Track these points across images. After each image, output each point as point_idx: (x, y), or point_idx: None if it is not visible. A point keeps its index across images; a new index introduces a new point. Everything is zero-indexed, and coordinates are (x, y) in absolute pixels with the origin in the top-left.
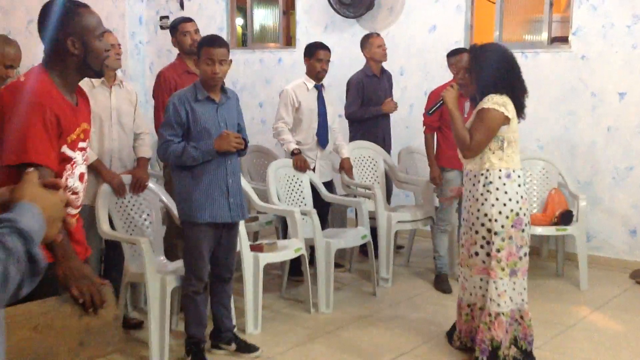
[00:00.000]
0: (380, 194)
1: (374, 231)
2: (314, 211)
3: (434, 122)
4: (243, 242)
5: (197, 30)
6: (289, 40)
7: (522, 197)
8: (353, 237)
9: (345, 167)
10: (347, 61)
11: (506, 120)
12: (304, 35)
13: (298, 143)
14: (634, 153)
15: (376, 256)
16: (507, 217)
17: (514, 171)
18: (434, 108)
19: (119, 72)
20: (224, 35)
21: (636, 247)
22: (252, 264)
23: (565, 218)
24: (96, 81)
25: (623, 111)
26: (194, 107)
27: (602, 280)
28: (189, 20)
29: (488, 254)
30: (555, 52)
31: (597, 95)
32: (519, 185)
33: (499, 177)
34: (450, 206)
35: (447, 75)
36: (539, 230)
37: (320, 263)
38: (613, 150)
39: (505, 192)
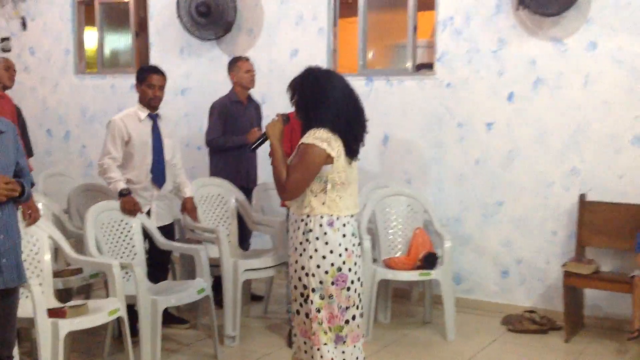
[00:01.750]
0: (225, 238)
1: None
2: (136, 264)
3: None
4: (37, 306)
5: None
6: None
7: (346, 249)
8: (187, 292)
9: (187, 207)
10: (206, 87)
11: (329, 159)
12: (159, 59)
13: (129, 182)
14: (503, 187)
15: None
16: (327, 272)
17: (337, 218)
18: (257, 143)
19: None
20: (71, 58)
21: (507, 289)
22: (49, 333)
23: (429, 261)
24: None
25: (491, 142)
26: None
27: (472, 328)
28: None
29: (307, 315)
30: (420, 79)
31: (463, 125)
32: (344, 236)
33: (320, 225)
34: None
35: None
36: (401, 276)
37: (144, 325)
38: (481, 184)
39: (326, 243)
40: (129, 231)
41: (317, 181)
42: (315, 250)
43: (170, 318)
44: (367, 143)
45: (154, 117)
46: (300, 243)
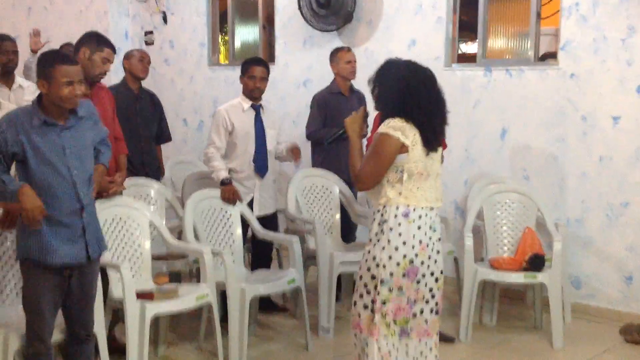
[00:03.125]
0: (321, 229)
1: None
2: (226, 252)
3: None
4: (126, 288)
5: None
6: (272, 57)
7: (420, 241)
8: (278, 282)
9: (292, 150)
10: (327, 78)
11: (403, 148)
12: (283, 52)
13: (232, 171)
14: (630, 187)
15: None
16: (398, 264)
17: (414, 210)
18: (334, 136)
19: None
20: (205, 51)
21: (631, 296)
22: (137, 315)
23: (535, 263)
24: None
25: (617, 138)
26: (30, 134)
27: (586, 336)
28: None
29: (366, 306)
30: (542, 69)
31: (587, 119)
32: (419, 228)
33: (395, 216)
34: None
35: None
36: (504, 277)
37: (233, 312)
38: (606, 183)
39: (399, 234)
40: (228, 219)
41: (393, 171)
42: (389, 241)
43: (271, 306)
44: (483, 137)
45: (257, 108)
46: (375, 234)
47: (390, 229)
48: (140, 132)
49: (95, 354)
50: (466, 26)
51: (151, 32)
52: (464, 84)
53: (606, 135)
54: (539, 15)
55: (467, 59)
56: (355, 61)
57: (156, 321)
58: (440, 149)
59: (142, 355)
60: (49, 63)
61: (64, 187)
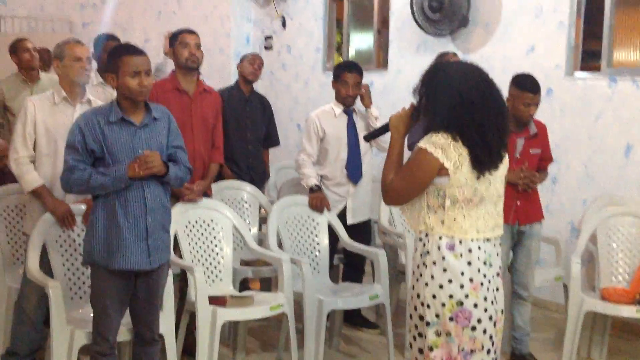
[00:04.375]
0: (411, 243)
1: None
2: (305, 260)
3: None
4: (199, 292)
5: (198, 45)
6: (385, 63)
7: (471, 279)
8: (360, 297)
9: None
10: None
11: (443, 170)
12: (396, 57)
13: (324, 178)
14: None
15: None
16: (444, 305)
17: (460, 242)
18: (374, 133)
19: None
20: (320, 55)
21: None
22: (208, 320)
23: None
24: (58, 97)
25: None
26: (105, 130)
27: None
28: (191, 32)
29: (421, 351)
30: None
31: None
32: (469, 263)
33: (438, 247)
34: (529, 268)
35: (549, 107)
36: (613, 309)
37: (308, 323)
38: None
39: (444, 270)
40: (315, 228)
41: (433, 194)
42: (432, 276)
43: (362, 321)
44: (605, 153)
45: (349, 113)
46: (418, 266)
47: (434, 263)
48: (249, 135)
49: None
50: (591, 33)
51: (270, 37)
52: (586, 94)
53: None
54: None
55: (590, 67)
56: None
57: (235, 327)
58: (502, 166)
59: None
60: (116, 55)
61: (132, 188)
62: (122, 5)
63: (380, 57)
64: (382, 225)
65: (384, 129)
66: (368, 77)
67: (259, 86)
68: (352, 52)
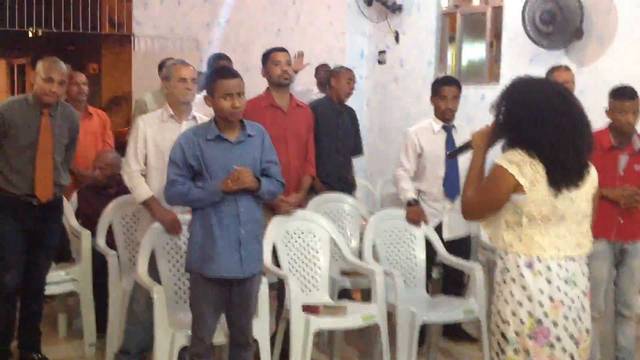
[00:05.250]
0: None
1: None
2: (396, 273)
3: None
4: (293, 300)
5: (289, 62)
6: (497, 76)
7: (551, 298)
8: (454, 311)
9: None
10: None
11: (519, 187)
12: (508, 70)
13: (421, 192)
14: None
15: None
16: (523, 323)
17: (539, 260)
18: (457, 150)
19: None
20: (432, 69)
21: None
22: (301, 328)
23: None
24: (166, 114)
25: None
26: (203, 147)
27: None
28: (282, 50)
29: None
30: None
31: None
32: (549, 282)
33: (517, 265)
34: (633, 286)
35: None
36: None
37: (401, 335)
38: None
39: (523, 287)
40: (412, 241)
41: (511, 211)
42: (511, 294)
43: (460, 334)
44: None
45: (448, 129)
46: (498, 283)
47: (513, 280)
48: (340, 146)
49: None
50: None
51: (384, 52)
52: None
53: None
54: None
55: None
56: (573, 81)
57: (333, 335)
58: (587, 185)
59: None
60: (212, 79)
61: (227, 202)
62: (244, 24)
63: (492, 70)
64: (482, 240)
65: (468, 146)
66: (480, 91)
67: (372, 101)
68: (464, 65)
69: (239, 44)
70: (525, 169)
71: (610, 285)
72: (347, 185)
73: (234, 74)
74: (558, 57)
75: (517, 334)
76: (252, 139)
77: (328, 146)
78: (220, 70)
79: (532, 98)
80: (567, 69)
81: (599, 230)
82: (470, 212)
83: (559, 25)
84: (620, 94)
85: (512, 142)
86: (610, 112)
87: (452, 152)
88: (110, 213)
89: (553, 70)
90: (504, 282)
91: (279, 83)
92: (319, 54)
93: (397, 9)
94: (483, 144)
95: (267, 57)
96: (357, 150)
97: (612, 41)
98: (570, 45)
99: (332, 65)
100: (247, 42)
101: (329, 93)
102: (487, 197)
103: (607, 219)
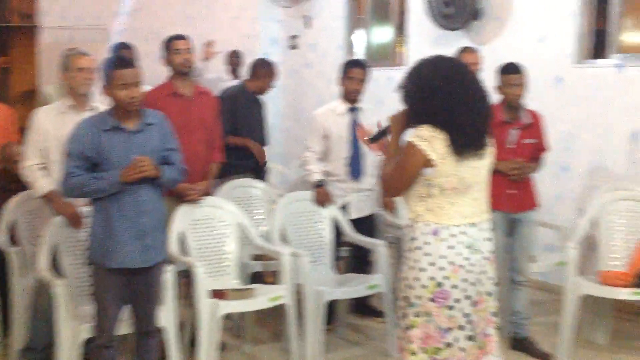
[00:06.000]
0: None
1: None
2: (304, 253)
3: None
4: (199, 286)
5: (189, 50)
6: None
7: (451, 262)
8: (358, 286)
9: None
10: None
11: (429, 161)
12: (414, 52)
13: (328, 174)
14: None
15: None
16: (424, 287)
17: (446, 227)
18: (377, 134)
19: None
20: (342, 53)
21: None
22: (208, 313)
23: None
24: (65, 106)
25: None
26: (100, 138)
27: None
28: (182, 37)
29: (406, 329)
30: None
31: None
32: (451, 247)
33: (423, 233)
34: (524, 254)
35: (559, 95)
36: (608, 292)
37: (310, 314)
38: None
39: (427, 254)
40: (320, 222)
41: (422, 184)
42: (415, 261)
43: (367, 310)
44: (611, 139)
45: (354, 111)
46: (406, 251)
47: (419, 248)
48: (256, 134)
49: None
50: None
51: (296, 37)
52: (596, 81)
53: None
54: None
55: (602, 55)
56: (478, 63)
57: (243, 318)
58: (487, 155)
59: (211, 352)
60: (108, 69)
61: (127, 192)
62: (154, 12)
63: (399, 53)
64: (387, 218)
65: (388, 130)
66: (387, 73)
67: (286, 86)
68: (372, 48)
69: (150, 32)
70: (436, 144)
71: (505, 254)
72: (262, 172)
73: (130, 64)
74: (459, 38)
75: (419, 297)
76: (151, 127)
77: (247, 134)
78: (116, 60)
79: (426, 71)
80: (472, 50)
81: (491, 202)
82: (389, 189)
83: (458, 6)
84: (507, 69)
85: (420, 119)
86: (499, 87)
87: (373, 137)
88: (13, 208)
89: (461, 51)
90: (410, 250)
91: (181, 71)
92: (232, 40)
93: None
94: (398, 126)
95: (167, 45)
96: (267, 140)
97: (508, 20)
98: (470, 26)
99: (244, 52)
100: (158, 31)
101: (242, 81)
102: (402, 174)
103: (496, 190)
